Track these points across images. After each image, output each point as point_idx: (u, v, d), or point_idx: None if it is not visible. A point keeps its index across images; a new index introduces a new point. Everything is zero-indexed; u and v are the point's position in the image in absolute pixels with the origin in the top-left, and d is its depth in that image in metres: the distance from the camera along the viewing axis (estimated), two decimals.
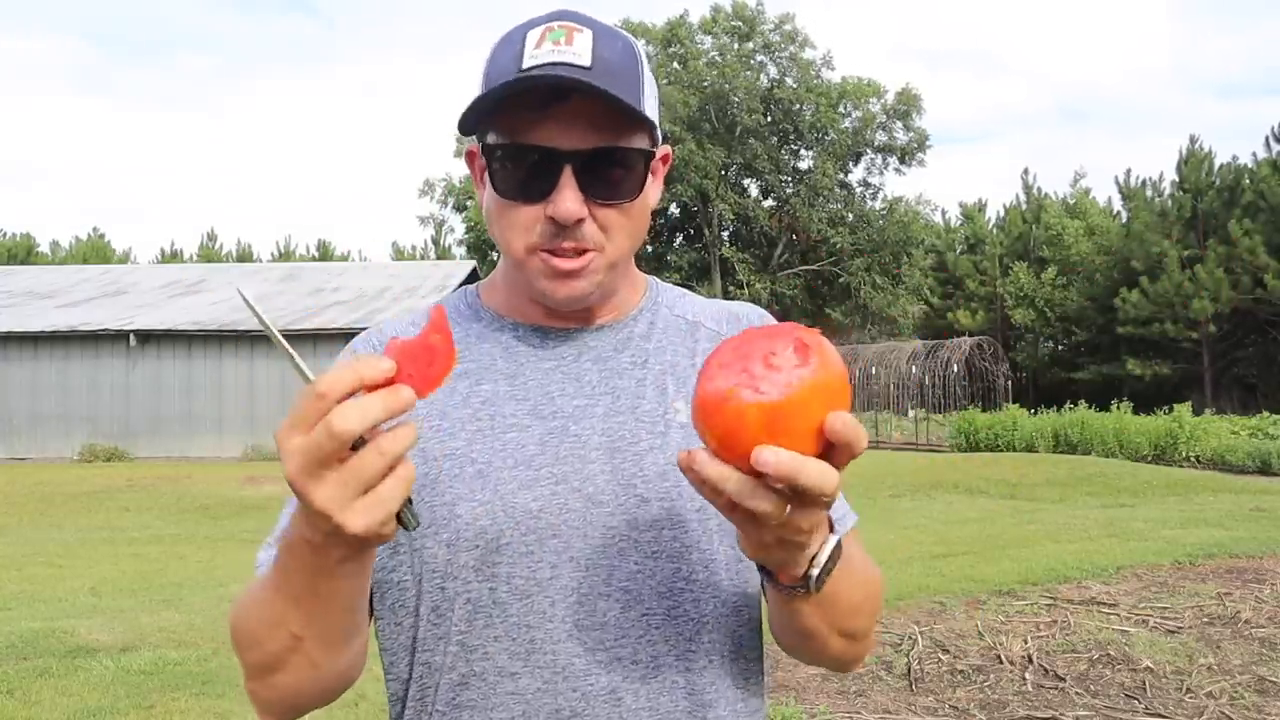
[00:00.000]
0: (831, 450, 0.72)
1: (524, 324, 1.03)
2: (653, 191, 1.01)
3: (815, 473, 0.70)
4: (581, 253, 0.94)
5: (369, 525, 0.69)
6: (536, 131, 0.91)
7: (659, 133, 0.99)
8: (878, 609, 1.02)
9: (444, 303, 1.07)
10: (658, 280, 1.12)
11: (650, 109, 0.95)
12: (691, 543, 0.96)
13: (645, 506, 0.95)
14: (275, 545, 0.95)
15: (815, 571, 0.81)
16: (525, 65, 0.90)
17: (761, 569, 0.86)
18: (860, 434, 0.72)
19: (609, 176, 0.93)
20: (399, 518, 0.72)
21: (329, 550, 0.74)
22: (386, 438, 0.69)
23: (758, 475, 0.70)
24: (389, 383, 0.69)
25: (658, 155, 1.00)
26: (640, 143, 0.95)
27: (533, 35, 0.92)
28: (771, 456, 0.69)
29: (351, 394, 0.68)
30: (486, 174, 0.96)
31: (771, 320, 1.10)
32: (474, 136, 0.98)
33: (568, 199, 0.91)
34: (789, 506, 0.72)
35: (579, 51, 0.90)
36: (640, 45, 1.00)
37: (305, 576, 0.78)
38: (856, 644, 0.97)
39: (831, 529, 0.83)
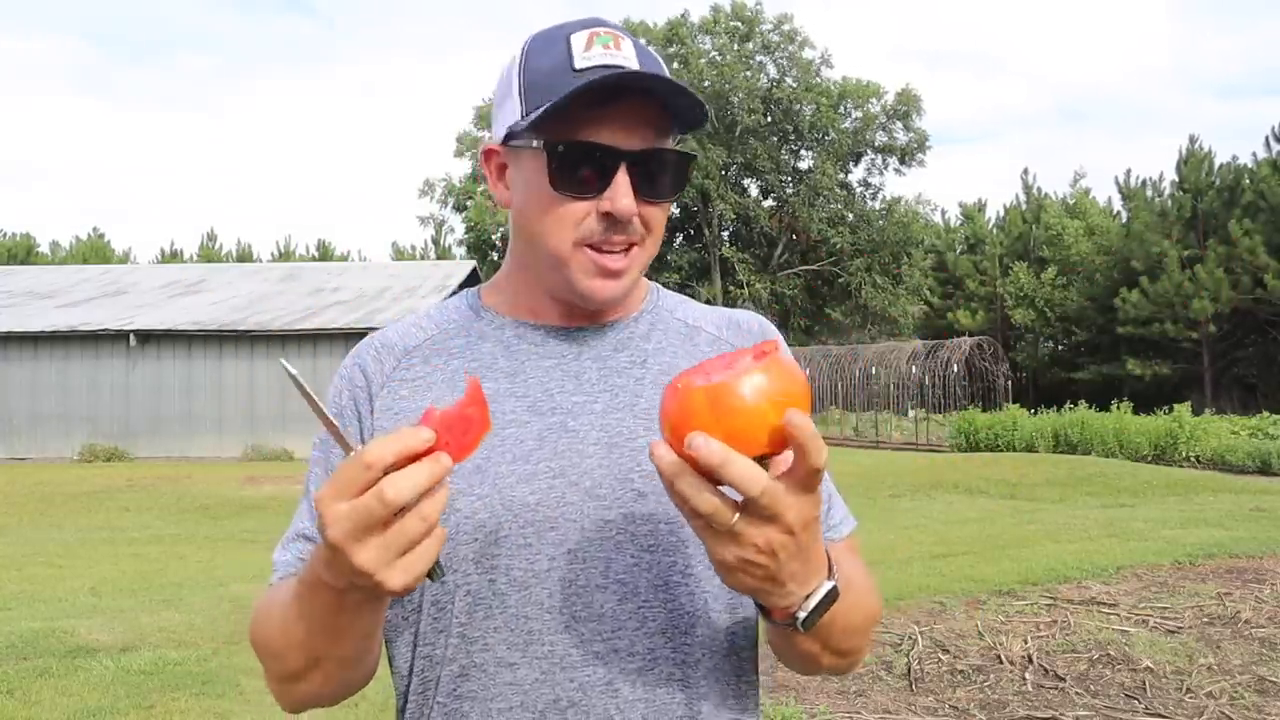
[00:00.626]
0: (792, 456, 0.74)
1: (526, 322, 1.05)
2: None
3: (741, 467, 0.71)
4: (628, 249, 0.98)
5: (406, 584, 0.74)
6: (596, 129, 0.94)
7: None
8: (875, 623, 1.03)
9: (446, 303, 1.11)
10: (658, 285, 1.15)
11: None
12: (687, 537, 0.97)
13: (642, 501, 0.97)
14: (290, 546, 1.01)
15: (802, 615, 0.82)
16: (579, 66, 0.93)
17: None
18: (818, 440, 0.73)
19: (658, 176, 0.98)
20: (428, 572, 0.77)
21: (350, 594, 0.79)
22: (428, 503, 0.73)
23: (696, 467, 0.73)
24: (427, 452, 0.73)
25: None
26: (679, 146, 1.01)
27: (577, 39, 0.96)
28: (701, 441, 0.71)
29: (396, 465, 0.72)
30: (518, 171, 1.00)
31: (771, 327, 1.13)
32: (487, 134, 1.05)
33: (627, 195, 0.95)
34: (735, 514, 0.74)
35: (628, 56, 0.95)
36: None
37: (328, 615, 0.83)
38: (852, 657, 0.99)
39: (831, 574, 0.83)
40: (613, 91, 0.93)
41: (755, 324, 1.13)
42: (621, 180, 0.94)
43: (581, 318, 1.05)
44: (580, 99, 0.92)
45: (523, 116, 0.96)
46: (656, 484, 0.96)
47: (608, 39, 0.95)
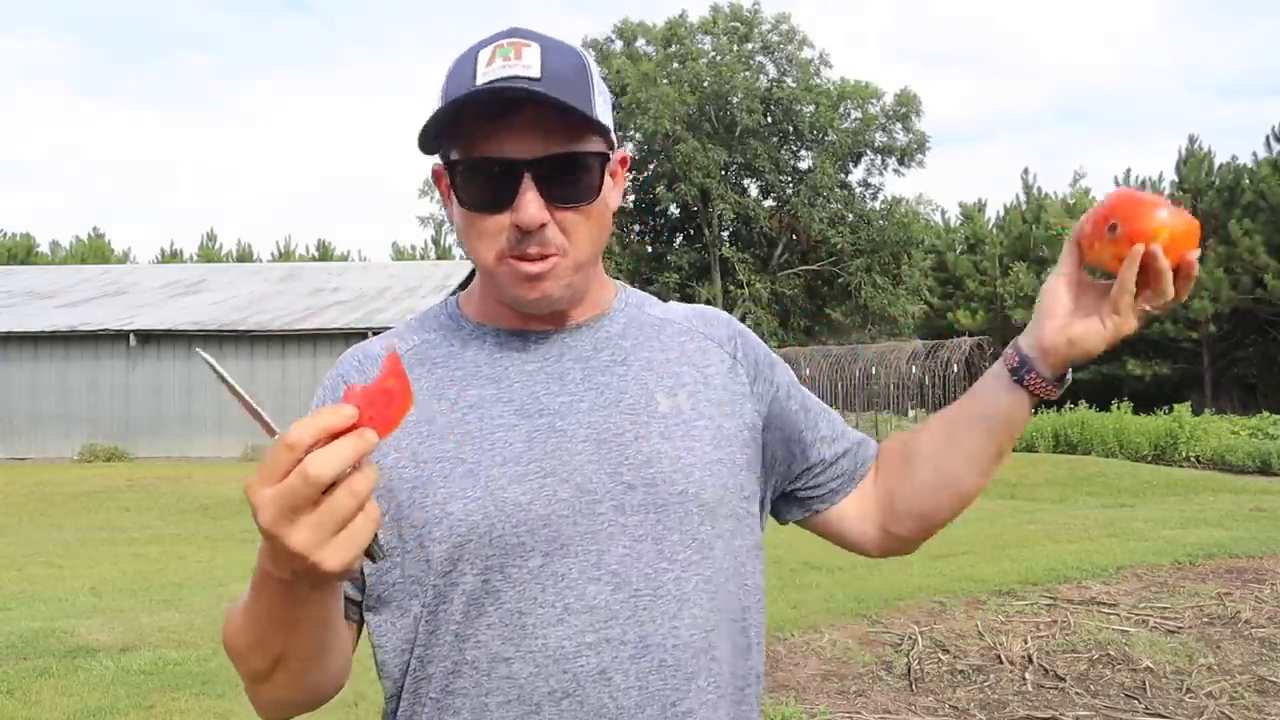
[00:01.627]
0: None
1: (504, 329, 1.07)
2: (613, 194, 1.05)
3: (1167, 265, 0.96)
4: (545, 257, 0.98)
5: (343, 562, 0.73)
6: (494, 143, 0.96)
7: (614, 136, 1.04)
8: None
9: (426, 314, 1.14)
10: (625, 284, 1.18)
11: (603, 114, 0.99)
12: (674, 524, 1.00)
13: (631, 493, 0.99)
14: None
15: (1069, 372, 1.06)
16: (479, 82, 0.94)
17: (1023, 384, 1.05)
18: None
19: (567, 181, 0.97)
20: (367, 551, 0.76)
21: (297, 584, 0.79)
22: (356, 478, 0.72)
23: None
24: (351, 428, 0.73)
25: (614, 158, 1.04)
26: (595, 146, 1.00)
27: (484, 54, 0.97)
28: (1193, 258, 0.96)
29: (317, 444, 0.71)
30: (452, 190, 1.01)
31: (739, 324, 1.19)
32: (436, 156, 1.04)
33: (529, 204, 0.95)
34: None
35: (528, 64, 0.95)
36: (590, 56, 1.05)
37: (277, 607, 0.84)
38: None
39: None
40: (507, 104, 0.94)
41: (723, 320, 1.17)
42: (525, 190, 0.95)
43: (550, 320, 1.06)
44: (477, 114, 0.95)
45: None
46: (644, 475, 1.00)
47: (509, 49, 0.96)
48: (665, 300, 1.20)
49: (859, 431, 1.22)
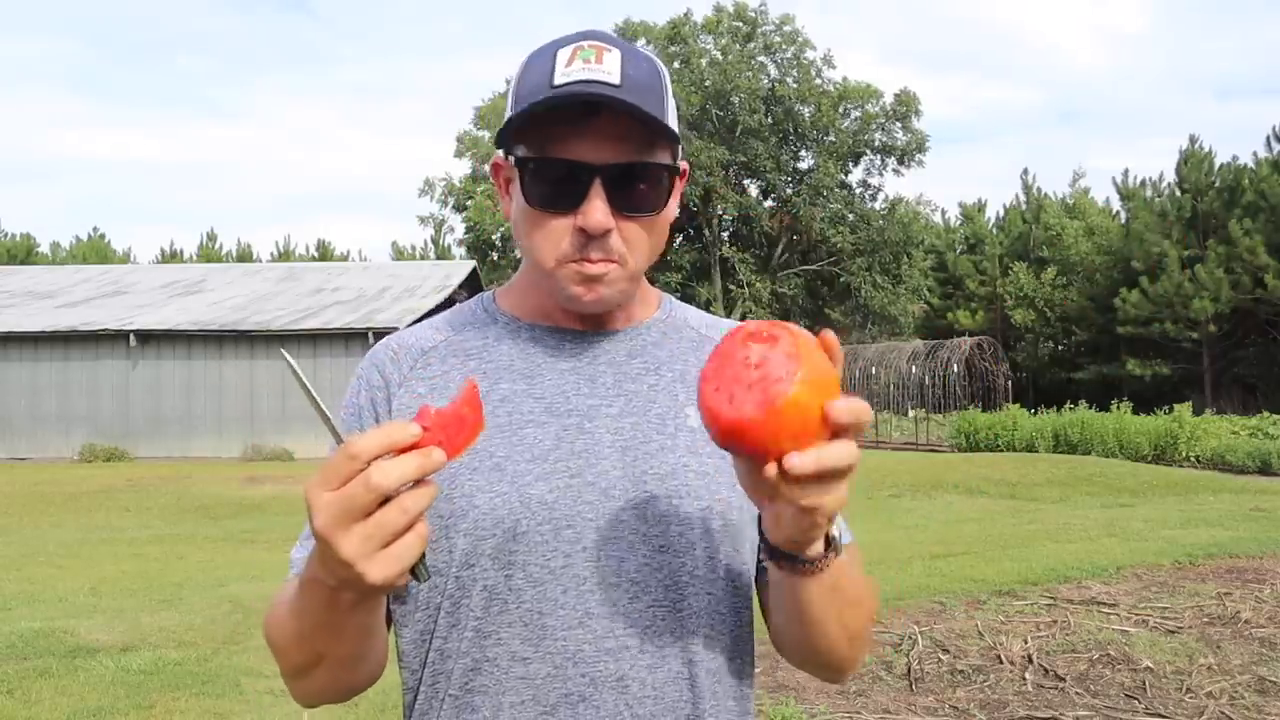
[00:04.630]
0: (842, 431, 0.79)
1: (541, 326, 1.07)
2: (673, 205, 1.05)
3: (835, 457, 0.77)
4: (606, 262, 0.98)
5: (386, 577, 0.74)
6: (568, 146, 0.95)
7: (680, 149, 1.03)
8: (874, 614, 1.07)
9: (460, 307, 1.13)
10: (669, 296, 1.18)
11: (673, 124, 0.99)
12: (696, 539, 1.00)
13: (654, 503, 0.99)
14: (306, 543, 1.01)
15: (836, 532, 0.89)
16: (557, 82, 0.94)
17: (773, 559, 0.91)
18: (859, 407, 0.78)
19: (636, 190, 0.97)
20: (413, 570, 0.77)
21: (342, 593, 0.80)
22: (409, 495, 0.74)
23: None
24: (414, 446, 0.74)
25: (680, 171, 1.04)
26: (664, 158, 1.00)
27: (563, 54, 0.97)
28: (797, 461, 0.76)
29: (380, 456, 0.73)
30: (515, 185, 1.01)
31: None
32: (501, 149, 1.03)
33: (597, 210, 0.95)
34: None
35: (609, 70, 0.95)
36: (664, 68, 1.04)
37: (322, 610, 0.84)
38: (854, 645, 1.01)
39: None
40: (585, 107, 0.94)
41: None
42: (594, 195, 0.95)
43: (591, 323, 1.06)
44: (555, 116, 0.94)
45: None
46: (668, 486, 1.00)
47: (590, 53, 0.96)
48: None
49: (843, 524, 1.12)
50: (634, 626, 0.97)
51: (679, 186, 1.06)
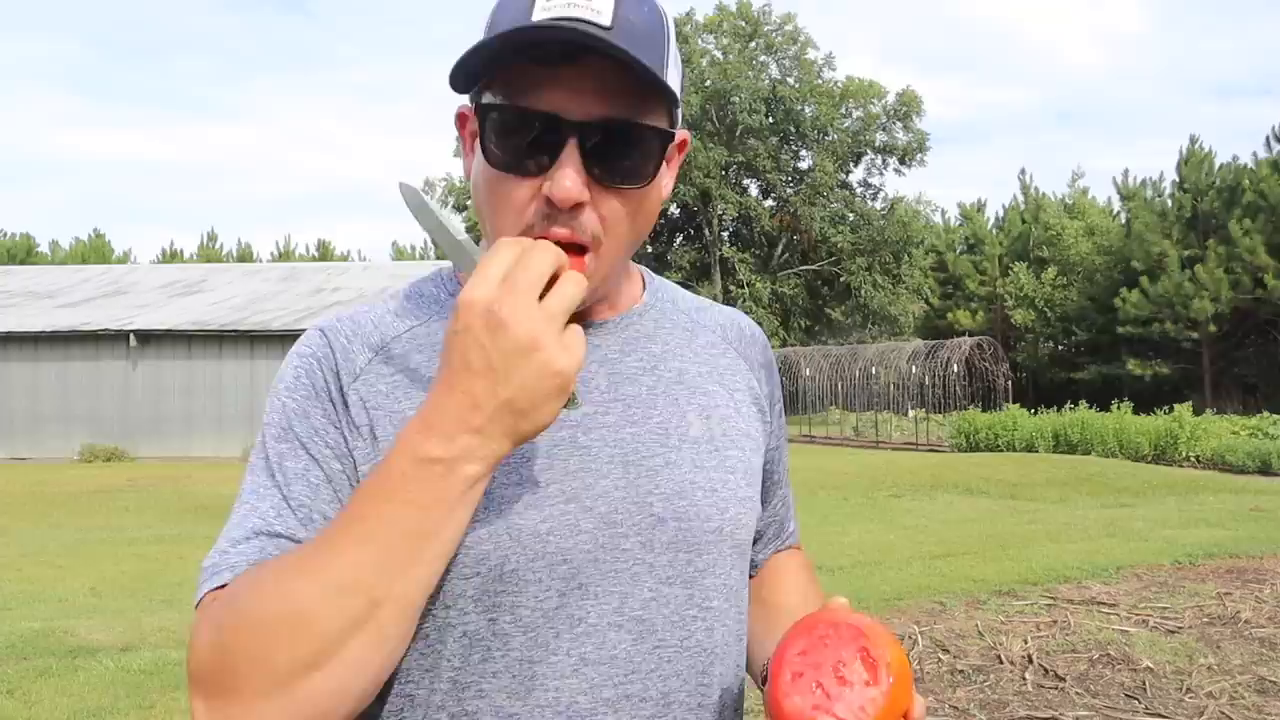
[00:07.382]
0: None
1: None
2: (666, 181, 0.88)
3: None
4: (580, 250, 0.81)
5: (576, 361, 0.72)
6: (540, 95, 0.78)
7: (679, 113, 0.87)
8: None
9: (418, 288, 0.96)
10: (648, 271, 1.03)
11: (674, 83, 0.83)
12: (706, 567, 0.89)
13: (661, 527, 0.87)
14: (243, 546, 0.84)
15: None
16: (536, 18, 0.77)
17: None
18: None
19: (619, 155, 0.80)
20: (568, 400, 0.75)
21: (466, 462, 0.72)
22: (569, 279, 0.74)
23: None
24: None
25: (676, 139, 0.87)
26: (658, 121, 0.83)
27: None
28: None
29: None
30: (478, 140, 0.83)
31: (770, 351, 1.08)
32: (468, 97, 0.85)
33: (568, 177, 0.78)
34: None
35: (599, 8, 0.77)
36: (670, 15, 0.88)
37: (416, 511, 0.72)
38: None
39: None
40: (564, 50, 0.76)
41: (759, 337, 1.06)
42: (567, 158, 0.78)
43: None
44: (527, 57, 0.77)
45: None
46: (675, 507, 0.87)
47: None
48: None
49: (796, 523, 1.13)
50: (636, 672, 0.84)
51: (676, 159, 0.90)
